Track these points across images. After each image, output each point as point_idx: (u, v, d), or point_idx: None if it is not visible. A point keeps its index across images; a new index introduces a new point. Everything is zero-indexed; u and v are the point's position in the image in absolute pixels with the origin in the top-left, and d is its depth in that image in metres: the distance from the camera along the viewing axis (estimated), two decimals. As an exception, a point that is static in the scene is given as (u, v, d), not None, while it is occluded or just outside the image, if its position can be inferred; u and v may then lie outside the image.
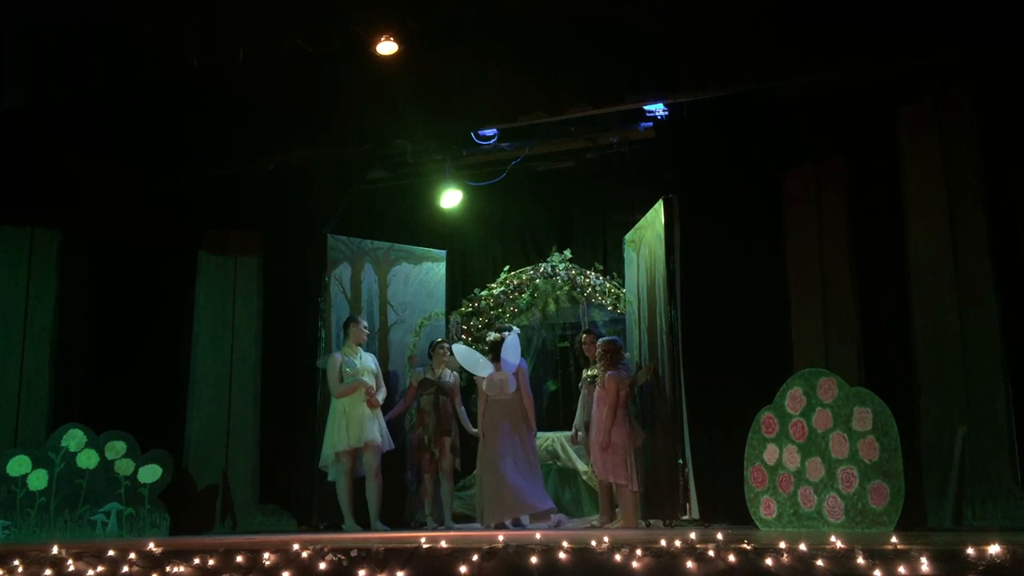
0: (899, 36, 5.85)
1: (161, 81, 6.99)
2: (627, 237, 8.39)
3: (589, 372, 7.71)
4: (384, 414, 7.74)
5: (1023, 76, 5.81)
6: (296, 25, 6.41)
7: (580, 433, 7.82)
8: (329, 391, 7.64)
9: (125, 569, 4.27)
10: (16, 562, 4.38)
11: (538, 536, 4.43)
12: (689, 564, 3.69)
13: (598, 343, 7.38)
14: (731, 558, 3.68)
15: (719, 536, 4.21)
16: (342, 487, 7.49)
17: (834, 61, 6.10)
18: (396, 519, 7.94)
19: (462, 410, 8.09)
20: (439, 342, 8.12)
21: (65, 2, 6.46)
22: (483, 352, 7.92)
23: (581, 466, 8.13)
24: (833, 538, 3.79)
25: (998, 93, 5.90)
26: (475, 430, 8.06)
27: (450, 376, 8.00)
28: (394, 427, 7.87)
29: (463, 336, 9.17)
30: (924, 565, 3.41)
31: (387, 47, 6.57)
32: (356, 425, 7.47)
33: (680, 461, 7.09)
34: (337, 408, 7.53)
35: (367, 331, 7.89)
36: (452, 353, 7.98)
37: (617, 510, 7.18)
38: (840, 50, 6.02)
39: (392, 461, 7.91)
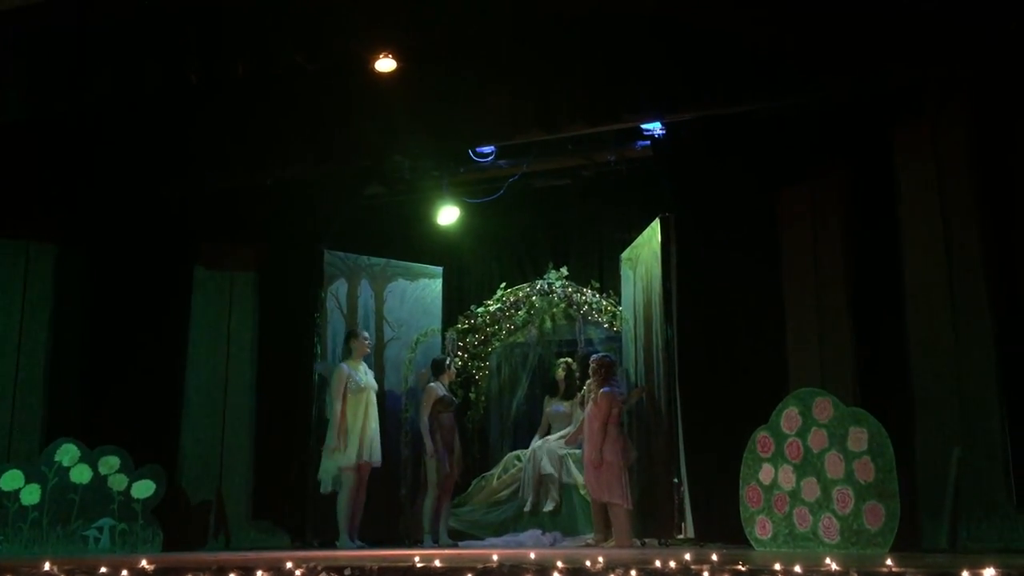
0: (894, 55, 5.88)
1: (159, 96, 6.99)
2: (623, 255, 8.41)
3: (585, 389, 7.72)
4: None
5: (1018, 96, 5.84)
6: (295, 41, 6.42)
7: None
8: (328, 402, 7.63)
9: (117, 586, 4.24)
10: (7, 578, 4.36)
11: (532, 555, 4.41)
12: (684, 585, 3.68)
13: (591, 359, 7.41)
14: (726, 579, 3.67)
15: (714, 556, 4.20)
16: (344, 502, 7.43)
17: (829, 80, 6.12)
18: (391, 536, 7.92)
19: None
20: (448, 360, 8.19)
21: (65, 15, 6.47)
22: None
23: (580, 480, 8.14)
24: (828, 559, 3.77)
25: (993, 112, 5.93)
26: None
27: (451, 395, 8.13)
28: (386, 443, 7.84)
29: (459, 353, 9.19)
30: (919, 587, 3.40)
31: (385, 64, 6.59)
32: (366, 441, 7.45)
33: (675, 480, 7.07)
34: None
35: (369, 342, 7.88)
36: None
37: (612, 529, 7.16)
38: (836, 69, 6.05)
39: (386, 477, 7.90)
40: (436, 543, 7.61)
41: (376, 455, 7.55)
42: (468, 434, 9.00)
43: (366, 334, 7.92)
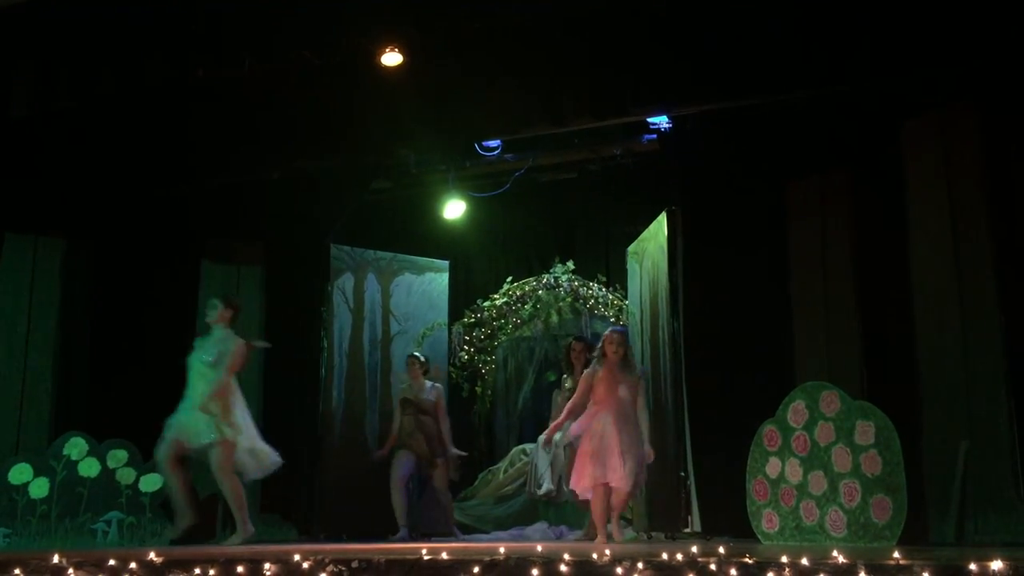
0: (902, 50, 5.86)
1: (166, 91, 7.01)
2: (630, 249, 8.40)
3: (595, 365, 7.53)
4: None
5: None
6: (302, 36, 6.42)
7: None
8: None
9: (125, 578, 4.26)
10: (17, 571, 4.36)
11: (539, 548, 4.42)
12: (690, 577, 3.68)
13: (613, 332, 6.54)
14: (733, 572, 3.66)
15: (721, 550, 4.20)
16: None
17: (838, 74, 6.11)
18: (393, 530, 7.94)
19: (446, 427, 7.77)
20: (413, 355, 7.90)
21: (70, 11, 6.48)
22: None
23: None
24: (835, 552, 3.77)
25: (1002, 107, 5.91)
26: (457, 451, 7.84)
27: (431, 392, 7.76)
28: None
29: (465, 347, 9.19)
30: (926, 580, 3.40)
31: (392, 58, 6.59)
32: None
33: (682, 473, 7.07)
34: None
35: (220, 308, 6.85)
36: (423, 366, 7.81)
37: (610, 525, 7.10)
38: (844, 63, 6.03)
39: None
40: (422, 537, 7.50)
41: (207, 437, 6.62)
42: (474, 428, 8.99)
43: (216, 300, 6.82)
